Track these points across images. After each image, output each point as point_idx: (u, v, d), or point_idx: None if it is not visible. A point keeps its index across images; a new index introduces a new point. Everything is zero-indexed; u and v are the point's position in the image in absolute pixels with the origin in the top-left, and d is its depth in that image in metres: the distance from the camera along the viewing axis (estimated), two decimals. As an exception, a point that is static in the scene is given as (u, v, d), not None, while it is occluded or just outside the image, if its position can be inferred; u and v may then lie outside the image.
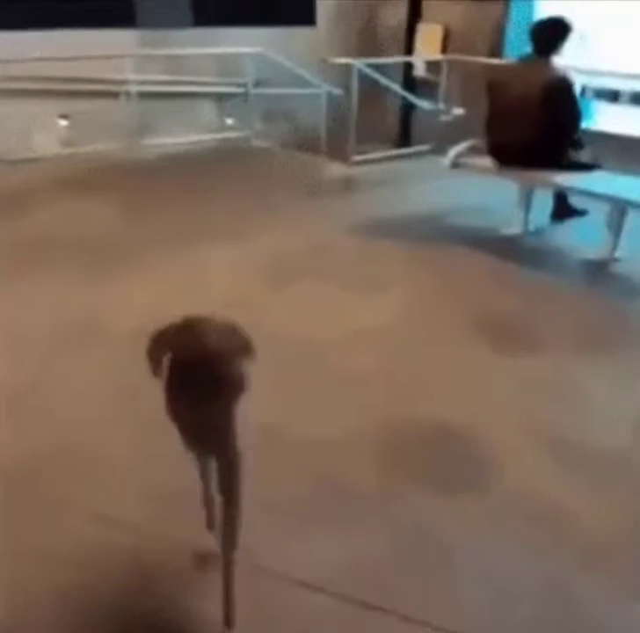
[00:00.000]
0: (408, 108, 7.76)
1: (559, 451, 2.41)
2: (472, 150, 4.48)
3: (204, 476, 1.80)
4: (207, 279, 3.74)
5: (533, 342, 3.15)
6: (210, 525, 1.91)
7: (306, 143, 6.73)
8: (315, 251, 4.14)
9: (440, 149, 6.45)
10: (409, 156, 6.47)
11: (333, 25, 7.97)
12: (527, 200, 4.47)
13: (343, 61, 5.81)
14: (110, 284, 3.62)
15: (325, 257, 4.09)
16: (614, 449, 2.43)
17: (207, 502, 1.87)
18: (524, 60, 4.16)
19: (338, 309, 3.42)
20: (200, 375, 1.51)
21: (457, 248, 4.28)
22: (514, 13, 7.13)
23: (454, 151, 4.47)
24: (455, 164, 4.48)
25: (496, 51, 7.43)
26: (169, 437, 1.64)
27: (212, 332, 1.57)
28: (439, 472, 2.29)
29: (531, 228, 4.52)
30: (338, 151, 6.26)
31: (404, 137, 7.85)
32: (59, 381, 2.75)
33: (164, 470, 2.13)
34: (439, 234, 4.51)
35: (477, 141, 4.50)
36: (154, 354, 1.58)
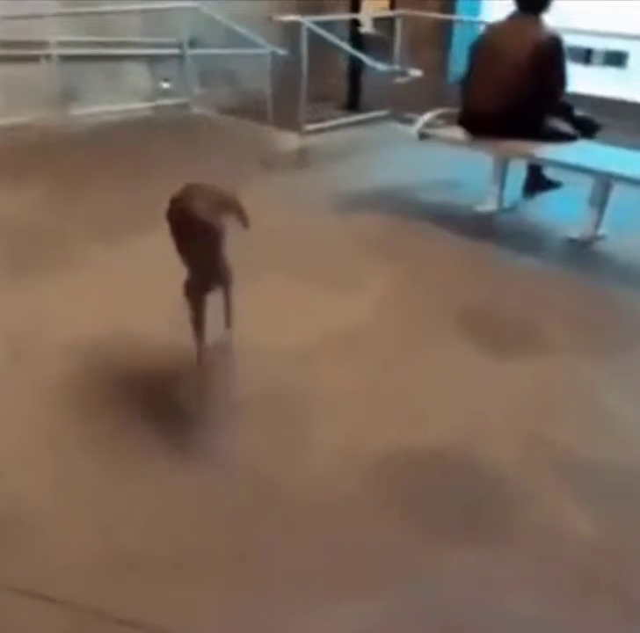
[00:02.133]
0: (357, 70, 7.26)
1: (572, 475, 2.09)
2: (441, 119, 4.07)
3: (198, 316, 2.40)
4: (148, 276, 3.23)
5: (523, 340, 2.83)
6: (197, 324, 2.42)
7: (250, 109, 6.17)
8: (270, 237, 3.65)
9: (397, 115, 6.06)
10: (365, 122, 5.99)
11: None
12: (502, 174, 4.10)
13: (291, 18, 5.25)
14: (32, 287, 3.10)
15: (283, 244, 3.63)
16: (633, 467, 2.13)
17: (199, 331, 2.43)
18: (511, 18, 3.73)
19: (302, 309, 2.99)
20: (185, 225, 2.29)
21: (428, 229, 3.89)
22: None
23: (422, 120, 4.04)
24: (423, 135, 4.05)
25: (447, 5, 7.00)
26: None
27: (197, 196, 2.33)
28: (439, 514, 1.94)
29: (506, 204, 4.17)
30: (286, 119, 5.73)
31: (354, 101, 7.36)
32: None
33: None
34: (407, 213, 4.10)
35: (448, 109, 4.09)
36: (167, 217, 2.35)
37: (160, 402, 2.39)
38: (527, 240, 3.81)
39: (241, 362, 2.61)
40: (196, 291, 2.35)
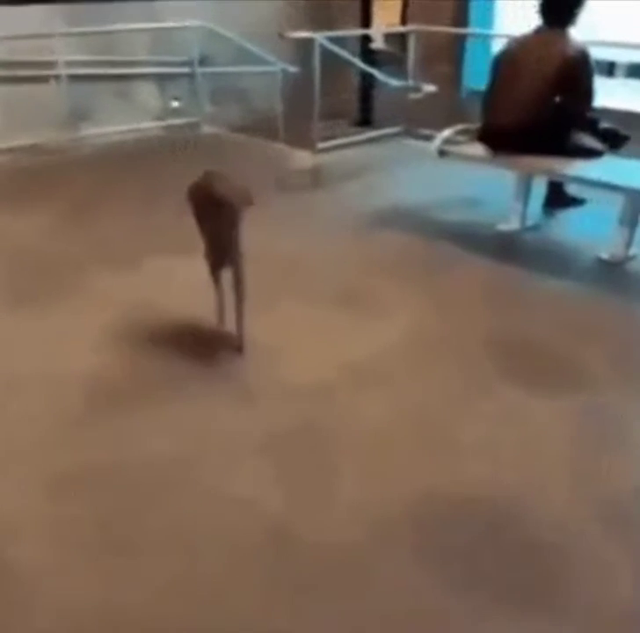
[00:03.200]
0: (369, 86, 7.15)
1: (626, 529, 1.92)
2: (461, 135, 3.93)
3: (217, 281, 2.70)
4: (161, 302, 3.11)
5: (561, 373, 2.64)
6: (220, 321, 2.78)
7: (262, 127, 6.06)
8: (286, 261, 3.54)
9: (411, 131, 5.94)
10: (378, 139, 5.86)
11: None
12: (525, 191, 3.94)
13: (303, 35, 5.14)
14: (40, 316, 2.97)
15: (300, 268, 3.50)
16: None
17: (219, 301, 2.75)
18: (537, 32, 3.60)
19: (321, 338, 2.84)
20: (214, 212, 2.48)
21: (450, 250, 3.74)
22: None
23: (441, 137, 3.90)
24: (443, 152, 3.91)
25: (460, 20, 6.89)
26: None
27: (217, 180, 2.51)
28: (475, 570, 1.77)
29: (529, 222, 4.01)
30: (298, 137, 5.61)
31: (366, 118, 7.24)
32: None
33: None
34: (426, 233, 3.95)
35: (467, 124, 3.96)
36: (189, 199, 2.54)
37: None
38: (554, 261, 3.65)
39: (258, 396, 2.45)
40: (212, 264, 2.67)
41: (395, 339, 2.85)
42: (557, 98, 3.53)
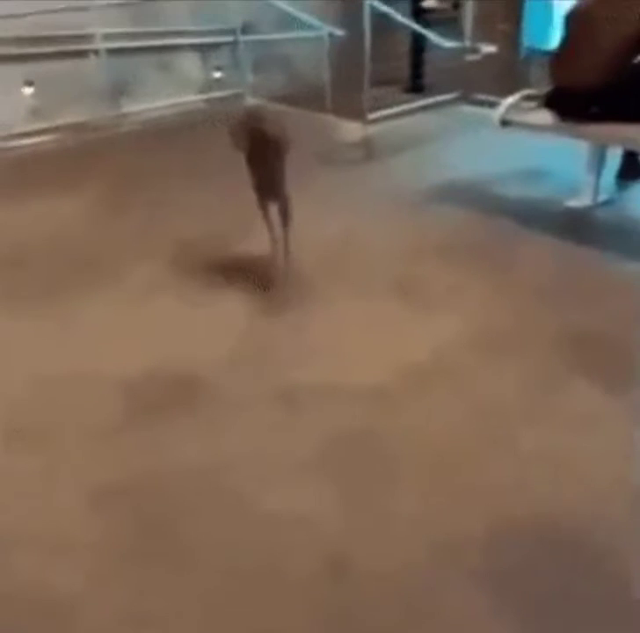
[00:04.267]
0: (420, 49, 6.72)
1: None
2: (528, 100, 3.56)
3: (266, 215, 2.90)
4: (205, 294, 2.92)
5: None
6: (273, 241, 2.94)
7: (308, 97, 5.76)
8: (335, 246, 3.30)
9: (468, 97, 5.55)
10: (432, 107, 5.49)
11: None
12: (598, 163, 3.57)
13: (352, -5, 4.79)
14: (76, 309, 2.81)
15: (350, 254, 3.25)
16: None
17: (270, 227, 2.92)
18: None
19: (377, 335, 2.59)
20: (263, 147, 2.69)
21: (515, 229, 3.42)
22: None
23: (505, 104, 3.55)
24: (506, 122, 3.56)
25: (521, -26, 6.37)
26: None
27: (262, 117, 2.78)
28: (541, 601, 1.53)
29: (602, 197, 3.65)
30: (346, 106, 5.29)
31: (418, 84, 6.84)
32: None
33: None
34: (488, 210, 3.64)
35: (534, 89, 3.59)
36: (236, 135, 2.74)
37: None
38: (634, 241, 3.29)
39: (309, 401, 2.24)
40: (260, 196, 2.86)
41: (456, 334, 2.58)
42: (638, 59, 3.14)
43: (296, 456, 1.99)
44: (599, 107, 3.17)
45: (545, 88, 3.54)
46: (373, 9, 4.90)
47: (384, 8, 5.05)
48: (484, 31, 6.01)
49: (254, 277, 2.96)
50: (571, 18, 3.29)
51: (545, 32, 6.78)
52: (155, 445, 2.06)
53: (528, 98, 3.59)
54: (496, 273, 3.04)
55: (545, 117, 3.45)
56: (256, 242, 3.04)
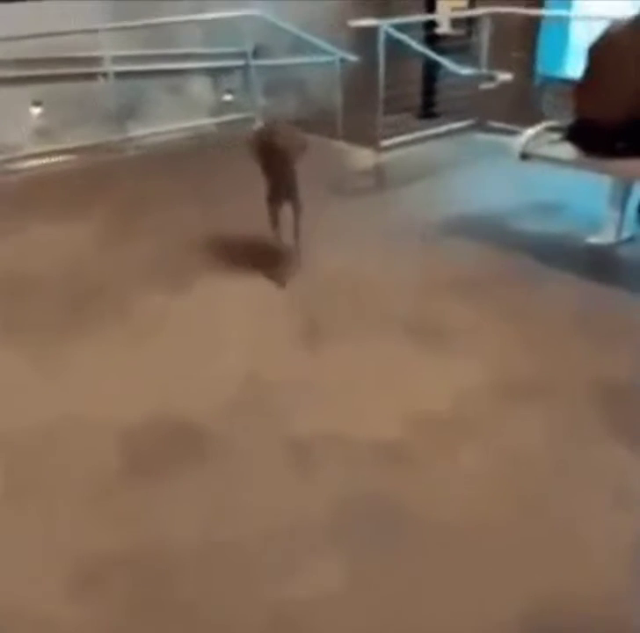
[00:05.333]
0: (433, 75, 6.64)
1: None
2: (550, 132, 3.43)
3: (275, 222, 3.22)
4: (216, 331, 2.78)
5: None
6: (274, 226, 3.23)
7: (319, 122, 5.65)
8: (347, 280, 3.17)
9: (482, 125, 5.44)
10: (446, 134, 5.38)
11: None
12: (623, 198, 3.43)
13: (367, 23, 4.70)
14: (78, 345, 2.67)
15: (362, 289, 3.11)
16: None
17: (277, 226, 3.23)
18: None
19: (392, 380, 2.45)
20: (274, 157, 3.11)
21: (534, 266, 3.28)
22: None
23: (525, 137, 3.42)
24: (526, 155, 3.43)
25: (537, 1, 6.30)
26: None
27: (280, 134, 3.17)
28: None
29: (625, 234, 3.50)
30: (358, 133, 5.18)
31: (431, 110, 6.74)
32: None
33: None
34: (506, 245, 3.49)
35: (555, 121, 3.47)
36: (251, 147, 3.19)
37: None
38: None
39: (315, 460, 2.07)
40: (272, 199, 3.21)
41: (477, 381, 2.43)
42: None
43: (308, 530, 1.82)
44: (626, 142, 3.04)
45: (564, 118, 3.41)
46: (387, 35, 4.81)
47: (398, 34, 4.96)
48: (498, 58, 5.91)
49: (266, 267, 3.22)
50: (597, 48, 3.17)
51: (560, 60, 6.70)
52: (152, 509, 1.89)
53: (550, 129, 3.46)
54: (516, 314, 2.89)
55: (568, 151, 3.31)
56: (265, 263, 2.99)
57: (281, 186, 3.16)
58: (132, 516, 1.86)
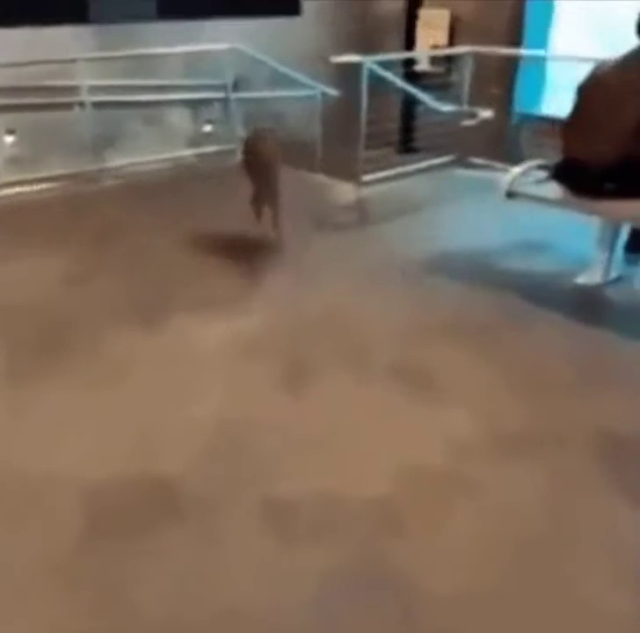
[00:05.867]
0: (412, 111, 6.66)
1: None
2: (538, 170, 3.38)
3: (258, 216, 3.86)
4: (192, 373, 2.63)
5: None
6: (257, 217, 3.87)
7: (299, 155, 5.59)
8: (329, 319, 3.05)
9: (463, 161, 5.42)
10: (427, 169, 5.33)
11: (319, 15, 6.79)
12: (610, 239, 3.38)
13: (352, 59, 4.66)
14: (41, 391, 2.49)
15: (345, 329, 2.99)
16: None
17: (257, 216, 3.85)
18: (635, 54, 3.05)
19: (378, 430, 2.32)
20: (256, 162, 3.68)
21: (521, 307, 3.20)
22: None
23: (511, 175, 3.36)
24: (512, 194, 3.37)
25: (515, 40, 6.37)
26: None
27: (263, 142, 3.72)
28: None
29: (613, 274, 3.44)
30: (339, 167, 5.12)
31: (411, 146, 6.73)
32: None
33: None
34: (491, 284, 3.41)
35: (540, 160, 3.42)
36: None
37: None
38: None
39: (293, 522, 1.91)
40: (257, 201, 3.73)
41: (468, 432, 2.31)
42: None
43: (285, 614, 1.64)
44: (614, 183, 2.99)
45: (542, 156, 3.37)
46: (370, 72, 4.78)
47: (383, 73, 4.94)
48: (476, 95, 5.94)
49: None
50: (586, 88, 3.14)
51: (537, 98, 6.77)
52: (118, 582, 1.71)
53: (536, 167, 3.41)
54: (505, 358, 2.79)
55: (554, 190, 3.26)
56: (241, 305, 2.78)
57: (263, 189, 3.69)
58: (92, 587, 1.68)
